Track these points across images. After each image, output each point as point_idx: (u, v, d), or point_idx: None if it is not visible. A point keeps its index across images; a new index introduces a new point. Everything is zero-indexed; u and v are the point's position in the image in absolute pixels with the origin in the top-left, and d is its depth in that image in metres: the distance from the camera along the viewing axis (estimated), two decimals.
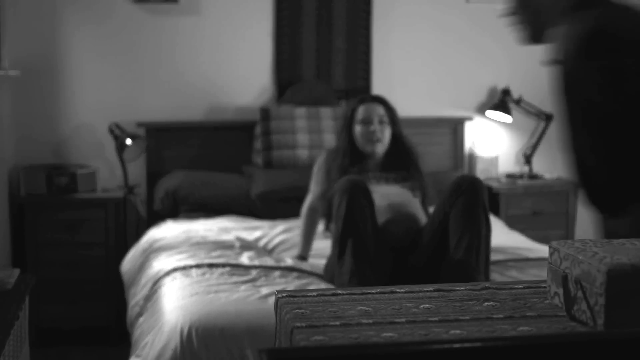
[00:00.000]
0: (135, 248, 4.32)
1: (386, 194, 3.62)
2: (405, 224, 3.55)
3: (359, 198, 3.31)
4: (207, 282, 3.33)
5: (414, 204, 3.69)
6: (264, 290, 3.23)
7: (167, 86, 5.15)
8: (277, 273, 3.50)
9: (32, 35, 4.97)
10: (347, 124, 3.88)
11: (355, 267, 3.22)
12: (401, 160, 3.87)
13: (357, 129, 3.83)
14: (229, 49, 5.20)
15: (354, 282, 3.16)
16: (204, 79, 5.15)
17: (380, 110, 3.84)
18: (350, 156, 3.81)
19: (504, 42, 5.56)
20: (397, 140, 3.88)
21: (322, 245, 3.88)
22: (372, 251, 3.29)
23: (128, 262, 4.22)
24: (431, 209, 3.69)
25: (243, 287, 3.27)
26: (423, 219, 3.64)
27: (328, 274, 3.45)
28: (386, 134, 3.82)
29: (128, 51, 5.11)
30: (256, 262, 3.66)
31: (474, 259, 3.27)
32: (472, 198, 3.34)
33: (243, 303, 3.10)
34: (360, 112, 3.84)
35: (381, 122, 3.81)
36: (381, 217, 3.52)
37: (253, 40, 5.21)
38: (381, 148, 3.81)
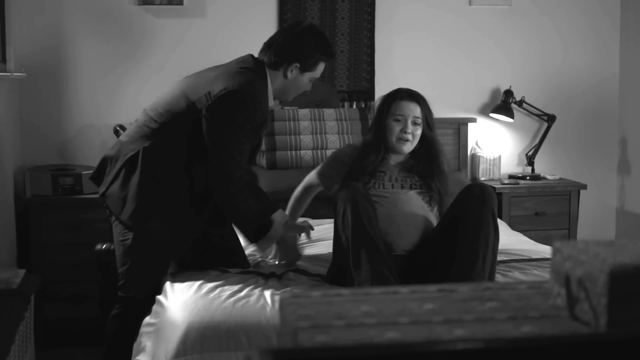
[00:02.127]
0: None
1: (397, 200, 3.56)
2: (409, 237, 3.52)
3: (364, 203, 3.29)
4: (210, 282, 3.34)
5: (425, 213, 3.61)
6: (267, 291, 3.23)
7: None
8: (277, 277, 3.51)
9: (37, 37, 4.99)
10: (382, 117, 3.71)
11: (374, 271, 3.20)
12: (425, 164, 3.72)
13: (390, 124, 3.66)
14: (234, 50, 5.19)
15: (377, 284, 3.15)
16: None
17: (416, 110, 3.69)
18: (381, 154, 3.69)
19: (506, 44, 5.58)
20: (427, 142, 3.74)
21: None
22: (385, 254, 3.28)
23: None
24: None
25: (247, 288, 3.28)
26: (429, 229, 3.62)
27: (334, 280, 3.42)
28: (417, 135, 3.68)
29: (133, 53, 5.12)
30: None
31: (480, 266, 3.25)
32: (482, 205, 3.33)
33: (245, 303, 3.11)
34: (396, 108, 3.68)
35: (414, 123, 3.66)
36: (387, 226, 3.48)
37: (257, 42, 5.21)
38: (409, 147, 3.67)
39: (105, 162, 3.53)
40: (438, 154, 3.75)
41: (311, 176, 3.90)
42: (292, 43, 3.48)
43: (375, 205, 3.45)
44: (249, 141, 3.38)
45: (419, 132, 3.69)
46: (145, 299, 3.37)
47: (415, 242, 3.51)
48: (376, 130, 3.73)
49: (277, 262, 3.75)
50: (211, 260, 3.58)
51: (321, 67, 3.56)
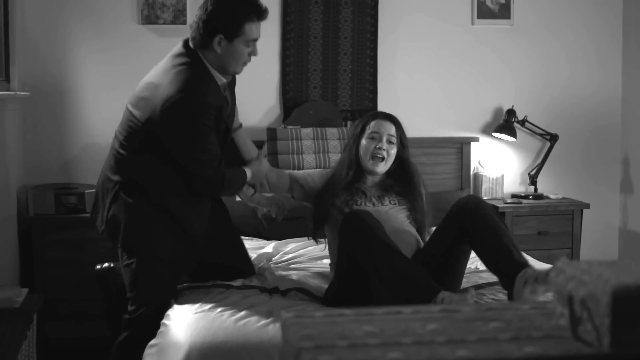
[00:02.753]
0: None
1: (384, 218, 3.53)
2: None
3: (373, 221, 3.28)
4: (211, 302, 3.34)
5: (410, 230, 3.63)
6: (268, 311, 3.23)
7: None
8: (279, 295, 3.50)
9: (40, 56, 5.01)
10: (356, 136, 3.76)
11: (411, 275, 3.17)
12: (401, 184, 3.76)
13: (364, 143, 3.71)
14: None
15: (434, 292, 3.09)
16: None
17: (391, 129, 3.71)
18: (354, 170, 3.72)
19: (508, 63, 5.59)
20: (402, 163, 3.77)
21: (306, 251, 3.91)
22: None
23: None
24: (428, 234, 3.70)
25: (248, 307, 3.27)
26: (418, 245, 3.62)
27: (333, 300, 3.41)
28: (392, 154, 3.71)
29: (136, 72, 5.11)
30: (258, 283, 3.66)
31: (516, 253, 3.22)
32: (486, 207, 3.33)
33: (247, 323, 3.11)
34: (371, 126, 3.72)
35: (389, 142, 3.69)
36: None
37: (260, 62, 5.21)
38: (383, 167, 3.70)
39: (97, 199, 3.54)
40: (414, 174, 3.79)
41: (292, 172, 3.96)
42: (208, 15, 3.28)
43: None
44: (211, 135, 3.29)
45: (393, 151, 3.72)
46: (153, 323, 3.34)
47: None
48: (349, 150, 3.77)
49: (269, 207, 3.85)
50: (217, 273, 3.60)
51: (251, 27, 3.32)
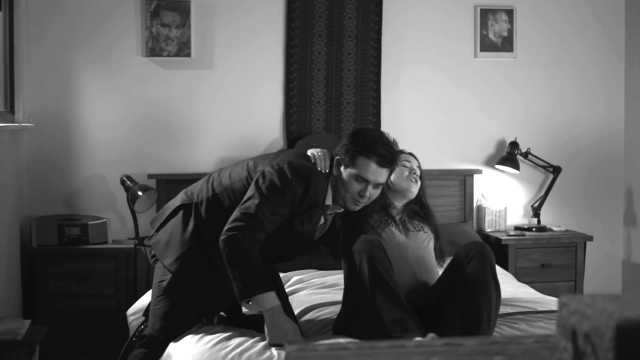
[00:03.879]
0: (145, 296, 4.29)
1: (405, 240, 3.66)
2: (419, 275, 3.58)
3: (380, 255, 3.29)
4: (215, 334, 3.33)
5: (430, 258, 3.72)
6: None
7: (179, 138, 5.20)
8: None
9: (46, 88, 5.03)
10: None
11: (398, 319, 3.19)
12: (421, 215, 3.89)
13: (398, 170, 3.76)
14: (241, 102, 5.25)
15: (398, 331, 3.15)
16: (215, 132, 5.20)
17: (416, 162, 3.89)
18: (386, 193, 3.77)
19: (511, 96, 5.61)
20: (420, 198, 3.91)
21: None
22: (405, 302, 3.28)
23: (136, 307, 4.19)
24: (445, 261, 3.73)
25: (252, 339, 3.26)
26: (436, 274, 3.67)
27: (343, 330, 3.41)
28: (419, 183, 3.86)
29: (140, 104, 5.16)
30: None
31: (485, 326, 3.26)
32: (482, 265, 3.35)
33: (251, 355, 3.10)
34: (402, 158, 3.82)
35: (416, 174, 3.86)
36: (397, 264, 3.51)
37: (264, 94, 5.26)
38: (416, 189, 3.83)
39: (163, 210, 3.62)
40: (430, 208, 3.97)
41: None
42: (343, 141, 3.41)
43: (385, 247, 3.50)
44: (278, 215, 3.27)
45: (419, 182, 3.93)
46: (163, 348, 3.34)
47: (423, 286, 3.56)
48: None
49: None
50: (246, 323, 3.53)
51: (365, 165, 3.30)
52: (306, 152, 3.50)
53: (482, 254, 3.38)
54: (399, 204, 3.84)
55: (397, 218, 3.79)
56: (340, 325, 3.43)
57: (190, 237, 3.39)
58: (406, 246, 3.65)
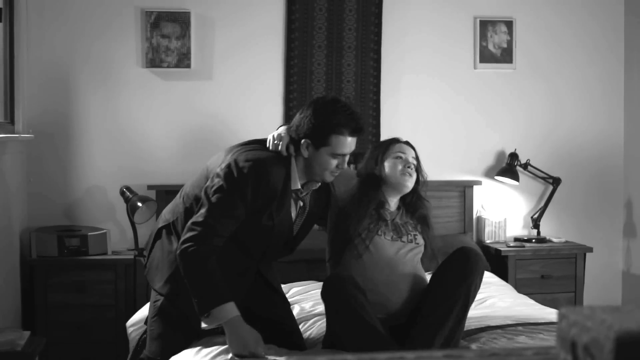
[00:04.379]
0: (144, 308, 4.27)
1: (394, 257, 3.54)
2: (405, 294, 3.51)
3: (354, 293, 3.24)
4: (214, 344, 3.32)
5: (419, 272, 3.62)
6: (273, 354, 3.22)
7: (178, 149, 5.20)
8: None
9: (45, 99, 5.04)
10: (379, 158, 3.69)
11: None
12: (414, 213, 3.73)
13: (390, 162, 3.65)
14: (240, 113, 5.26)
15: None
16: (214, 142, 5.20)
17: (412, 153, 3.71)
18: (377, 191, 3.64)
19: (511, 107, 5.62)
20: (416, 190, 3.73)
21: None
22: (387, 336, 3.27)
23: (135, 318, 4.17)
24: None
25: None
26: (423, 284, 3.61)
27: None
28: (414, 175, 3.68)
29: (140, 115, 5.17)
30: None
31: (429, 340, 3.25)
32: (459, 273, 3.34)
33: None
34: (395, 148, 3.69)
35: (413, 164, 3.67)
36: (382, 283, 3.49)
37: (264, 105, 5.27)
38: (411, 183, 3.65)
39: (150, 235, 3.58)
40: (425, 204, 3.78)
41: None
42: (301, 120, 3.30)
43: (365, 259, 3.50)
44: (231, 217, 3.20)
45: (415, 174, 3.71)
46: None
47: (412, 302, 3.50)
48: (369, 170, 3.70)
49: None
50: (270, 340, 3.42)
51: (339, 140, 3.27)
52: (265, 137, 3.43)
53: (463, 260, 3.37)
54: (393, 199, 3.70)
55: (389, 221, 3.64)
56: (327, 341, 3.43)
57: (175, 257, 3.29)
58: (394, 264, 3.52)
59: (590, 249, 5.37)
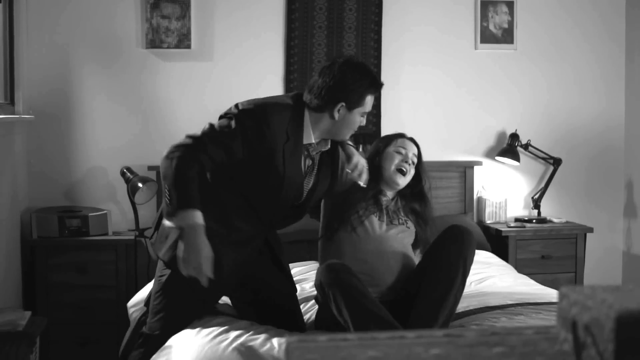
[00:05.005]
0: (145, 288, 4.28)
1: (386, 235, 3.61)
2: (396, 274, 3.54)
3: (350, 280, 3.25)
4: (218, 324, 3.32)
5: (409, 251, 3.66)
6: (273, 335, 3.22)
7: (179, 130, 5.19)
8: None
9: (45, 80, 5.03)
10: (380, 150, 3.77)
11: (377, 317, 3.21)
12: (413, 205, 3.79)
13: (391, 153, 3.72)
14: (241, 93, 5.23)
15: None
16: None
17: (414, 149, 3.77)
18: (375, 182, 3.70)
19: (512, 88, 5.61)
20: (417, 185, 3.80)
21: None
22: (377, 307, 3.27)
23: (136, 298, 4.17)
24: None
25: (252, 331, 3.26)
26: (411, 264, 3.65)
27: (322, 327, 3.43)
28: (411, 173, 3.74)
29: (140, 96, 5.16)
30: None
31: (433, 316, 3.26)
32: (455, 249, 3.35)
33: (251, 347, 3.10)
34: (397, 143, 3.76)
35: (412, 161, 3.74)
36: (377, 262, 3.53)
37: (264, 86, 5.26)
38: (403, 181, 3.71)
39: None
40: (426, 199, 3.83)
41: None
42: (333, 83, 3.29)
43: (359, 233, 3.57)
44: (224, 145, 3.20)
45: (413, 171, 3.76)
46: (161, 345, 3.32)
47: (401, 280, 3.53)
48: (371, 162, 3.73)
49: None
50: (271, 319, 3.45)
51: (369, 99, 3.37)
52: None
53: (456, 237, 3.39)
54: (388, 191, 3.76)
55: (384, 207, 3.71)
56: (320, 326, 3.45)
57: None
58: (384, 239, 3.59)
59: (591, 230, 5.37)
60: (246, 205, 3.32)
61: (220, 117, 3.31)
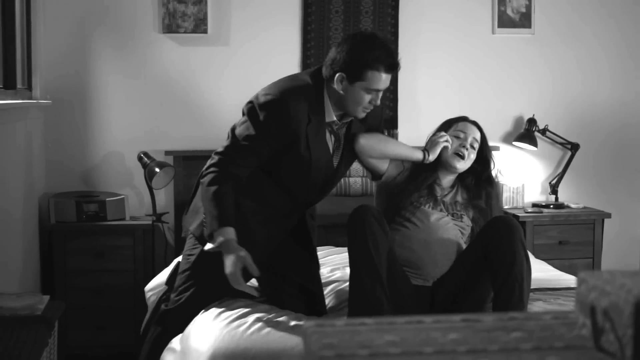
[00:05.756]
0: (163, 273, 4.30)
1: (436, 226, 3.57)
2: (442, 266, 3.51)
3: (372, 226, 3.23)
4: (236, 308, 3.33)
5: (459, 242, 3.61)
6: (292, 319, 3.23)
7: (196, 115, 5.20)
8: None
9: (62, 65, 5.04)
10: (442, 132, 3.71)
11: (371, 296, 3.18)
12: (472, 192, 3.72)
13: (448, 139, 3.66)
14: (257, 78, 5.22)
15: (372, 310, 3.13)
16: (232, 108, 5.18)
17: (476, 133, 3.72)
18: (430, 165, 3.64)
19: (529, 72, 5.58)
20: (484, 172, 3.75)
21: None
22: (384, 276, 3.25)
23: (153, 283, 4.19)
24: None
25: (271, 315, 3.26)
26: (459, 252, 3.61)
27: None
28: (472, 157, 3.68)
29: (157, 81, 5.16)
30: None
31: (517, 296, 3.21)
32: (511, 237, 3.30)
33: (270, 331, 3.10)
34: (459, 126, 3.72)
35: (472, 146, 3.67)
36: (422, 251, 3.51)
37: (281, 70, 5.23)
38: (462, 165, 3.65)
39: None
40: (490, 186, 3.75)
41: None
42: (338, 53, 3.25)
43: (408, 226, 3.53)
44: (251, 149, 3.21)
45: (473, 156, 3.69)
46: (186, 318, 3.33)
47: (445, 271, 3.50)
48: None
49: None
50: (292, 304, 3.45)
51: (374, 76, 3.23)
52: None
53: (510, 227, 3.33)
54: (445, 177, 3.70)
55: (439, 198, 3.66)
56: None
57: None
58: (433, 230, 3.54)
59: (609, 215, 5.35)
60: (279, 186, 3.35)
61: (243, 113, 3.29)
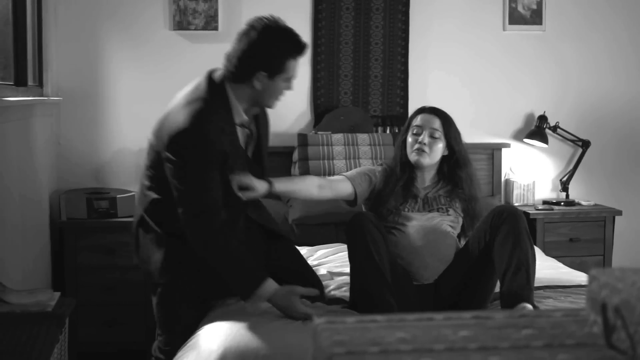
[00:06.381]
0: None
1: (421, 227, 3.55)
2: (434, 269, 3.50)
3: (372, 231, 3.24)
4: (241, 307, 3.33)
5: (451, 242, 3.60)
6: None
7: None
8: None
9: (74, 62, 5.05)
10: (404, 133, 3.71)
11: (378, 299, 3.18)
12: (452, 181, 3.70)
13: (409, 139, 3.65)
14: None
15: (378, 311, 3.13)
16: None
17: (434, 122, 3.64)
18: (405, 168, 3.65)
19: (540, 69, 5.56)
20: (452, 158, 3.70)
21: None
22: (392, 284, 3.25)
23: None
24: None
25: (281, 319, 3.25)
26: (452, 249, 3.60)
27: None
28: (435, 148, 3.62)
29: (168, 78, 5.16)
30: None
31: (524, 280, 3.21)
32: (515, 224, 3.30)
33: (280, 328, 3.10)
34: (416, 120, 3.67)
35: (432, 136, 3.61)
36: (411, 257, 3.51)
37: None
38: (426, 160, 3.61)
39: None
40: (466, 171, 3.72)
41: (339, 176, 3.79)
42: (249, 51, 3.11)
43: (395, 233, 3.53)
44: (213, 176, 3.09)
45: (438, 145, 3.65)
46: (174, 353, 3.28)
47: (440, 273, 3.50)
48: (399, 147, 3.72)
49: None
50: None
51: (292, 64, 3.16)
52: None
53: (514, 214, 3.33)
54: (423, 174, 3.69)
55: (420, 197, 3.65)
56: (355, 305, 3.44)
57: (156, 237, 3.27)
58: (418, 233, 3.53)
59: (620, 212, 5.33)
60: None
61: (169, 160, 3.10)
